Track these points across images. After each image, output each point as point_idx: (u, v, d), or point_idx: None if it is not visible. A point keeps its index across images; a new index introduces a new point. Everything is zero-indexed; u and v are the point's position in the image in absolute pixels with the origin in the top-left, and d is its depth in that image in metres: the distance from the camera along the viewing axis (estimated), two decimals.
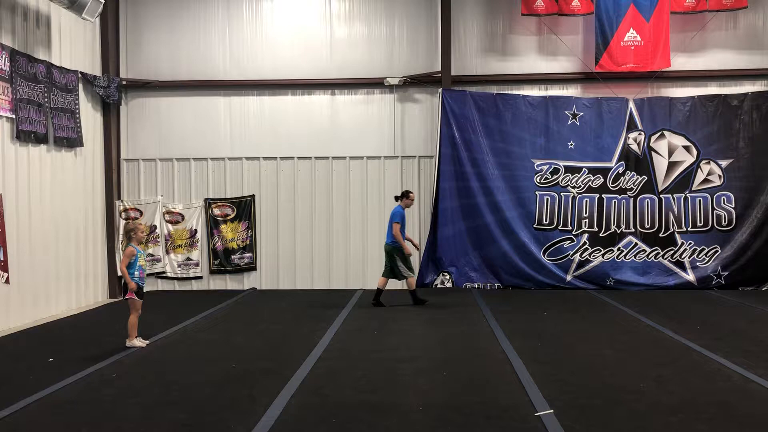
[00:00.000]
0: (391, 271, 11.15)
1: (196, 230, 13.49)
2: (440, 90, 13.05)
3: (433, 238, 13.08)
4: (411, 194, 11.39)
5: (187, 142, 13.55)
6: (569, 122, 12.92)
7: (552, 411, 5.44)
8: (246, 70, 13.48)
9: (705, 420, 5.27)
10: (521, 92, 13.13)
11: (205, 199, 13.53)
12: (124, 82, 13.34)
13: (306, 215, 13.51)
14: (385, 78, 13.17)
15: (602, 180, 12.92)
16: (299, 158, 13.51)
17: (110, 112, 13.24)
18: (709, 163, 12.78)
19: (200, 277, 13.52)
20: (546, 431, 5.00)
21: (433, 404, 5.75)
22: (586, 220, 12.94)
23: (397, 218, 11.00)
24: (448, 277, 13.04)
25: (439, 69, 13.16)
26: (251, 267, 13.51)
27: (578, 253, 12.91)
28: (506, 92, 13.11)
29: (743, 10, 12.75)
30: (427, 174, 13.43)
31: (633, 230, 12.84)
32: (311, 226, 13.51)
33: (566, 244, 12.96)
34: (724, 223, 12.78)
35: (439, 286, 13.06)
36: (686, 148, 12.81)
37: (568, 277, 12.91)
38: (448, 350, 7.87)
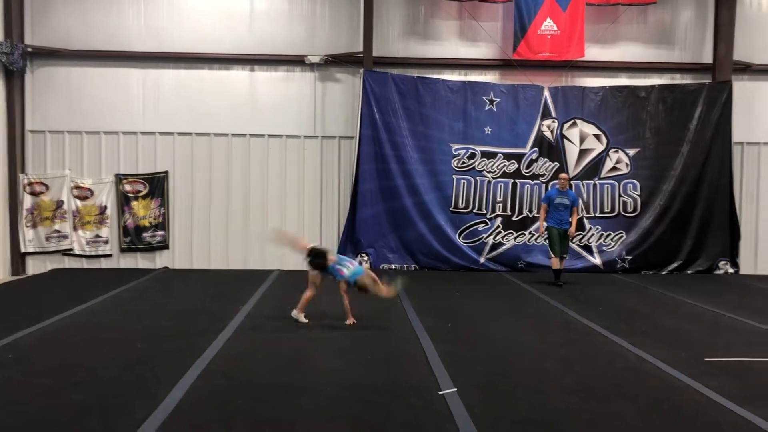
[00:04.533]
0: None
1: (105, 206, 13.01)
2: (362, 71, 13.02)
3: (352, 220, 13.10)
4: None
5: (98, 114, 13.01)
6: (487, 108, 13.15)
7: (456, 389, 5.57)
8: (162, 41, 13.03)
9: (601, 398, 5.52)
10: (441, 76, 13.26)
11: (116, 175, 13.05)
12: (29, 49, 12.65)
13: (222, 193, 13.26)
14: (306, 56, 13.01)
15: (516, 166, 13.25)
16: (216, 135, 13.22)
17: (14, 80, 12.55)
18: (617, 151, 13.30)
19: (110, 255, 13.08)
20: (448, 409, 5.12)
21: (340, 384, 5.78)
22: (500, 205, 13.26)
23: None
24: (366, 258, 13.10)
25: (361, 50, 13.10)
26: (163, 245, 13.17)
27: (492, 236, 13.23)
28: (427, 76, 13.22)
29: (652, 6, 13.28)
30: (347, 155, 13.40)
31: None
32: (227, 204, 13.27)
33: (481, 227, 13.25)
34: (629, 210, 13.36)
35: None
36: (597, 136, 13.28)
37: (482, 260, 13.22)
38: (359, 330, 7.92)
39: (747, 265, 13.47)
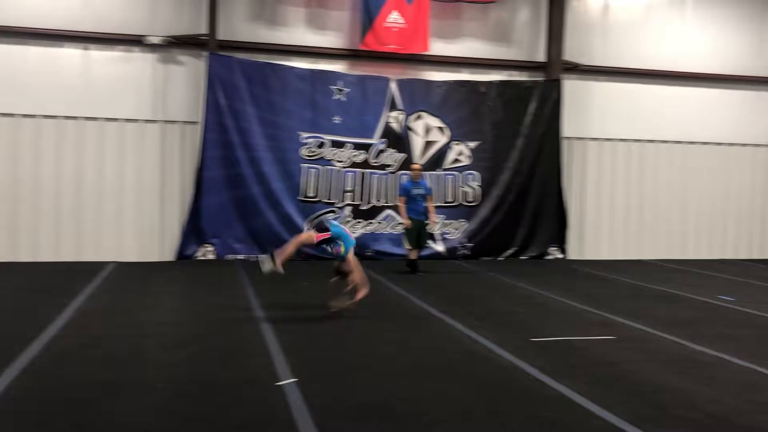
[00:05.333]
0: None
1: None
2: (206, 54, 12.57)
3: (195, 209, 12.65)
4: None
5: None
6: (335, 97, 13.19)
7: (295, 380, 5.55)
8: None
9: (433, 379, 5.72)
10: (290, 63, 13.12)
11: None
12: None
13: (51, 179, 12.26)
14: (146, 36, 12.35)
15: (365, 155, 13.42)
16: (44, 117, 12.21)
17: None
18: (459, 143, 13.86)
19: None
20: (285, 399, 5.09)
21: (174, 380, 5.57)
22: (350, 194, 13.38)
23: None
24: (210, 248, 12.72)
25: (206, 32, 12.64)
26: None
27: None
28: (275, 62, 13.01)
29: (493, 5, 13.93)
30: (191, 141, 12.89)
31: (392, 204, 13.52)
32: (58, 191, 12.30)
33: (330, 216, 13.28)
34: (470, 199, 13.98)
35: (200, 258, 12.70)
36: (440, 129, 13.75)
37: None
38: (200, 324, 7.69)
39: (574, 251, 14.57)
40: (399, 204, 11.84)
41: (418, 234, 11.71)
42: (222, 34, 12.78)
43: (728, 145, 15.42)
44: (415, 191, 11.66)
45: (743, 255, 15.52)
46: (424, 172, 13.42)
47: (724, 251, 15.48)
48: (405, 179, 12.71)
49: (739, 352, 6.78)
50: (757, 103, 15.67)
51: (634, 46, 14.84)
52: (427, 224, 11.87)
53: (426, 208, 11.74)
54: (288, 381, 5.51)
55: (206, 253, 12.74)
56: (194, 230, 12.71)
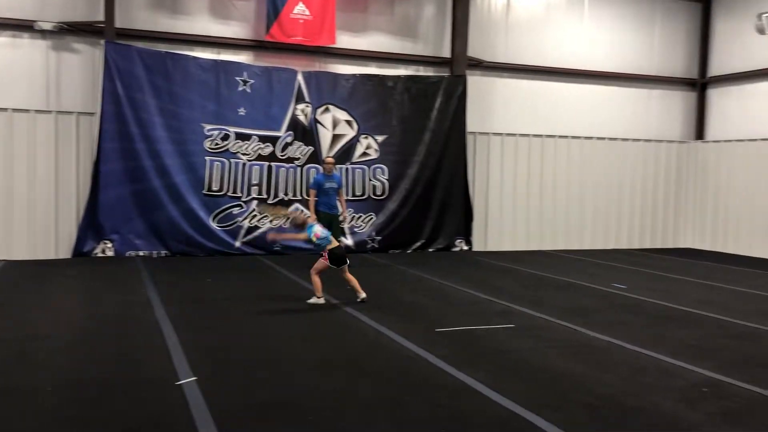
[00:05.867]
0: None
1: None
2: (103, 42, 12.03)
3: (93, 204, 12.10)
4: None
5: None
6: (240, 89, 12.92)
7: (195, 378, 5.40)
8: None
9: (339, 373, 5.71)
10: (192, 53, 12.74)
11: None
12: None
13: None
14: (36, 21, 11.68)
15: (272, 148, 13.22)
16: None
17: None
18: (367, 137, 13.89)
19: None
20: (185, 399, 4.95)
21: (66, 382, 5.31)
22: (256, 188, 13.16)
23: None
24: (110, 245, 12.21)
25: (103, 19, 12.09)
26: None
27: (247, 220, 13.09)
28: (177, 52, 12.60)
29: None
30: (87, 133, 12.30)
31: (300, 198, 13.41)
32: None
33: (236, 210, 13.03)
34: (378, 193, 14.06)
35: (99, 255, 12.16)
36: (348, 122, 13.74)
37: (237, 243, 13.03)
38: (96, 323, 7.37)
39: (479, 243, 14.93)
40: (309, 197, 11.69)
41: (330, 228, 11.62)
42: (120, 22, 12.25)
43: (621, 141, 16.21)
44: (328, 185, 11.55)
45: (636, 245, 16.38)
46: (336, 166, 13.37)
47: (618, 241, 16.28)
48: (317, 172, 12.61)
49: (630, 337, 7.14)
50: (648, 101, 16.57)
51: (535, 44, 15.33)
52: (339, 218, 11.83)
53: (338, 201, 11.70)
54: (188, 380, 5.36)
55: (105, 249, 12.21)
56: (92, 226, 12.16)
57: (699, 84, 16.86)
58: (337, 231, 11.75)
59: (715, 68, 16.61)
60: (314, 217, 11.45)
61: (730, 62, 16.15)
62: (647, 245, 16.49)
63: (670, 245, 16.73)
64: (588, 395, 5.26)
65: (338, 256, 8.55)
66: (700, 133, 16.98)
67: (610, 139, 16.13)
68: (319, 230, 8.57)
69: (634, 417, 4.83)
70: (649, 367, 6.09)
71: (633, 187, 16.39)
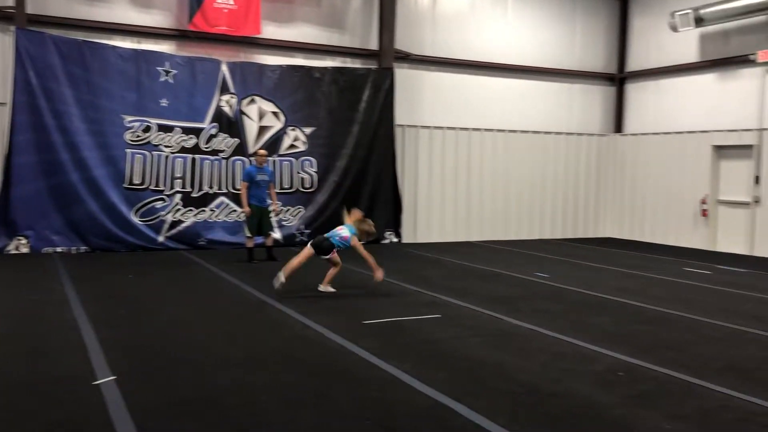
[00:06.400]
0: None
1: None
2: (14, 29, 11.46)
3: (4, 199, 11.55)
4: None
5: None
6: (162, 79, 12.56)
7: (115, 377, 5.23)
8: None
9: (265, 368, 5.65)
10: (111, 42, 12.30)
11: None
12: None
13: None
14: None
15: (196, 140, 12.93)
16: None
17: None
18: (294, 129, 13.76)
19: None
20: (102, 398, 4.78)
21: None
22: (180, 181, 12.84)
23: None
24: (24, 241, 11.69)
25: (12, 4, 11.53)
26: None
27: (171, 214, 12.77)
28: (94, 40, 12.13)
29: None
30: None
31: (225, 191, 13.18)
32: None
33: (159, 204, 12.69)
34: (307, 186, 13.97)
35: (13, 252, 11.62)
36: (275, 114, 13.57)
37: (161, 238, 12.70)
38: (9, 322, 7.02)
39: (408, 235, 15.05)
40: (241, 190, 11.46)
41: (260, 221, 11.49)
42: (32, 8, 11.73)
43: (545, 134, 16.64)
44: (260, 177, 11.40)
45: (559, 235, 16.87)
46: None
47: (542, 232, 16.73)
48: (249, 164, 12.40)
49: (551, 324, 7.36)
50: (570, 95, 17.06)
51: (461, 38, 15.54)
52: (270, 211, 11.69)
53: (269, 194, 11.56)
54: (107, 379, 5.19)
55: (19, 246, 11.68)
56: (4, 222, 11.62)
57: (617, 79, 17.48)
58: (267, 224, 11.64)
59: (633, 64, 17.26)
60: (248, 210, 11.30)
61: (647, 58, 16.81)
62: (569, 235, 17.01)
63: (591, 235, 17.31)
64: (509, 382, 5.39)
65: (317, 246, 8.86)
66: (618, 127, 17.61)
67: (534, 132, 16.52)
68: (343, 233, 8.93)
69: (553, 402, 4.97)
70: (569, 353, 6.28)
71: (556, 179, 16.85)
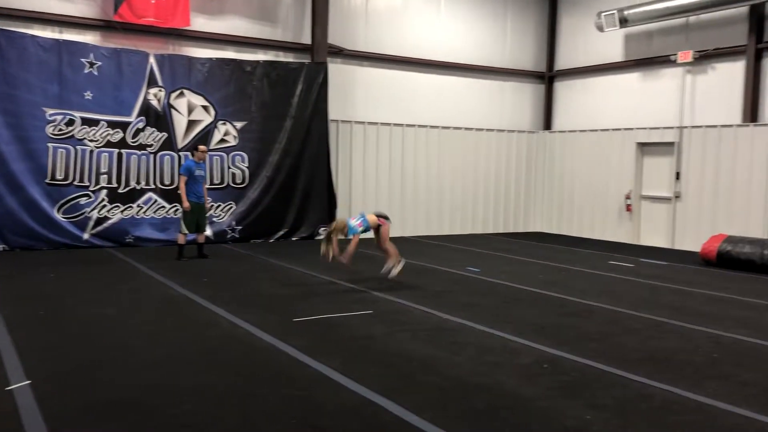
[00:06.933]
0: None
1: None
2: None
3: None
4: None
5: None
6: (86, 71, 12.11)
7: (29, 382, 5.01)
8: None
9: (190, 368, 5.51)
10: (30, 31, 11.77)
11: None
12: None
13: None
14: None
15: (122, 134, 12.53)
16: None
17: None
18: (225, 123, 13.50)
19: None
20: (15, 405, 4.57)
21: None
22: (105, 176, 12.42)
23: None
24: None
25: None
26: None
27: (96, 210, 12.34)
28: (11, 29, 11.59)
29: None
30: None
31: (153, 187, 12.82)
32: None
33: (83, 200, 12.25)
34: (238, 181, 13.73)
35: None
36: (205, 108, 13.28)
37: (86, 236, 12.26)
38: None
39: None
40: (180, 184, 11.11)
41: (197, 217, 11.24)
42: None
43: (476, 130, 16.87)
44: (198, 172, 11.17)
45: (491, 230, 17.15)
46: (186, 153, 12.89)
47: (475, 227, 16.97)
48: (188, 158, 11.96)
49: (480, 318, 7.46)
50: (501, 92, 17.35)
51: (395, 34, 15.57)
52: (206, 207, 11.46)
53: (204, 190, 11.36)
54: (20, 384, 4.97)
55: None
56: None
57: (547, 77, 17.88)
58: (203, 220, 11.41)
59: (562, 62, 17.68)
60: (188, 205, 11.02)
61: (575, 57, 17.25)
62: (501, 230, 17.32)
63: (521, 229, 17.67)
64: (437, 377, 5.43)
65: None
66: (548, 124, 18.03)
67: (467, 129, 16.73)
68: (353, 222, 9.13)
69: (479, 395, 5.03)
70: (497, 347, 6.38)
71: (488, 175, 17.12)
